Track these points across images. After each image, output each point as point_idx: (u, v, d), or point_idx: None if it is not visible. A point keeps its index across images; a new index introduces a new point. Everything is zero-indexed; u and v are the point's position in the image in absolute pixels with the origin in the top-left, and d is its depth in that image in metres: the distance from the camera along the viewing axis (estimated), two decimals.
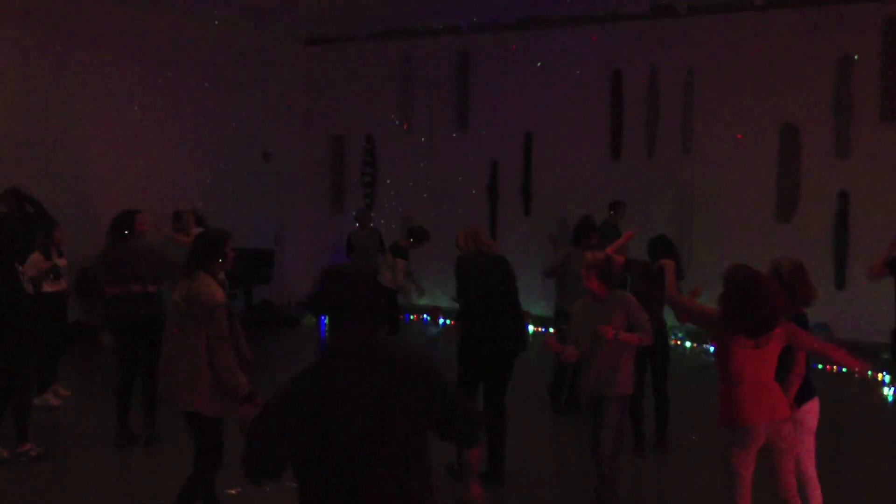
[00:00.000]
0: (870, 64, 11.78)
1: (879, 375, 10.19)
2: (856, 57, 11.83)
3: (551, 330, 9.78)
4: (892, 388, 9.82)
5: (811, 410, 5.27)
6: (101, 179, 12.53)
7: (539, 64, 13.89)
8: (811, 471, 5.31)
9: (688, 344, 12.21)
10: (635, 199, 12.90)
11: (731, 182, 12.62)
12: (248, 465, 2.95)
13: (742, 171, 12.55)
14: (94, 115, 12.42)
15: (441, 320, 13.88)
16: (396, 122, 15.10)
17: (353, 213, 13.41)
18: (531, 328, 12.44)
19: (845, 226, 12.00)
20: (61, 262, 8.89)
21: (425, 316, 14.25)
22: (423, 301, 14.20)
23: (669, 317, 7.36)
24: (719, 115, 12.66)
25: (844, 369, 9.96)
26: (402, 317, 12.69)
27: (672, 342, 12.09)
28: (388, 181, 15.32)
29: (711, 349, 11.51)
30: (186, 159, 13.65)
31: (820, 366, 9.88)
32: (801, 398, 5.20)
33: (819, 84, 12.07)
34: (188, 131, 13.72)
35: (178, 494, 5.16)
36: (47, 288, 8.51)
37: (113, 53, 12.62)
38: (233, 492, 6.06)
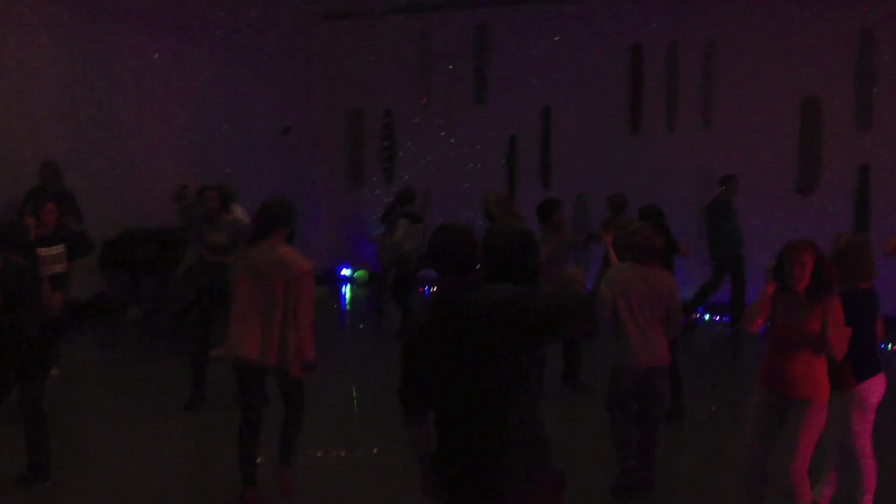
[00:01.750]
0: (891, 35, 11.68)
1: None
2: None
3: None
4: None
5: (872, 387, 5.23)
6: (124, 154, 12.62)
7: (557, 38, 13.83)
8: (867, 448, 5.28)
9: (706, 317, 12.24)
10: (655, 174, 12.91)
11: (751, 156, 12.57)
12: (402, 404, 3.48)
13: (763, 145, 12.50)
14: (122, 90, 12.49)
15: None
16: (415, 97, 15.09)
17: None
18: None
19: (866, 199, 11.95)
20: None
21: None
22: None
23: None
24: (740, 89, 12.59)
25: None
26: (421, 289, 12.73)
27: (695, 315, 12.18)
28: (407, 156, 15.34)
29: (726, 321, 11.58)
30: (206, 133, 13.71)
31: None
32: (863, 374, 5.20)
33: (841, 56, 11.98)
34: (207, 106, 13.76)
35: (281, 450, 5.69)
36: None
37: (134, 28, 12.65)
38: (319, 454, 6.32)
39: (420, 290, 12.65)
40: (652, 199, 12.51)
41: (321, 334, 10.78)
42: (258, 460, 5.89)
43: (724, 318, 11.90)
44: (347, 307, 13.82)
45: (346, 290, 14.77)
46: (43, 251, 7.22)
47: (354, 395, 8.44)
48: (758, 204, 12.40)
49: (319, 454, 6.48)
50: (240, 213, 10.08)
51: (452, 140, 14.80)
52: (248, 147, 14.28)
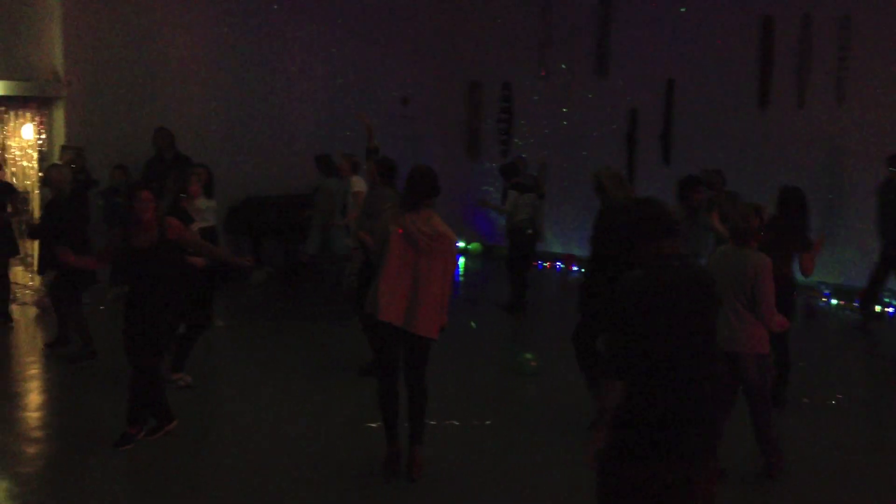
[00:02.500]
0: None
1: None
2: None
3: None
4: None
5: None
6: (259, 124, 13.02)
7: (683, 9, 13.46)
8: None
9: (833, 301, 11.80)
10: (783, 151, 12.47)
11: (887, 133, 11.98)
12: (611, 365, 3.59)
13: None
14: (260, 66, 12.88)
15: (574, 268, 13.82)
16: (535, 69, 14.96)
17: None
18: None
19: None
20: (210, 202, 9.31)
21: (558, 263, 14.22)
22: (556, 248, 14.20)
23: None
24: (876, 64, 11.98)
25: None
26: (534, 264, 12.66)
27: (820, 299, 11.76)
28: (524, 128, 15.25)
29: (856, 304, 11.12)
30: (328, 104, 13.95)
31: None
32: None
33: None
34: (328, 76, 14.00)
35: (412, 427, 5.71)
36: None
37: (271, 8, 12.99)
38: (433, 422, 6.35)
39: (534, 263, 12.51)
40: (779, 177, 12.13)
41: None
42: (374, 425, 6.02)
43: (853, 303, 11.40)
44: (461, 279, 13.89)
45: (461, 262, 14.84)
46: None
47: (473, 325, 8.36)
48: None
49: (433, 422, 6.56)
50: (356, 181, 10.33)
51: (571, 112, 14.63)
52: (370, 116, 14.43)
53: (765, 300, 5.50)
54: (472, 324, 9.28)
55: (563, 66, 14.63)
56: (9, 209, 9.47)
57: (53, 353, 8.46)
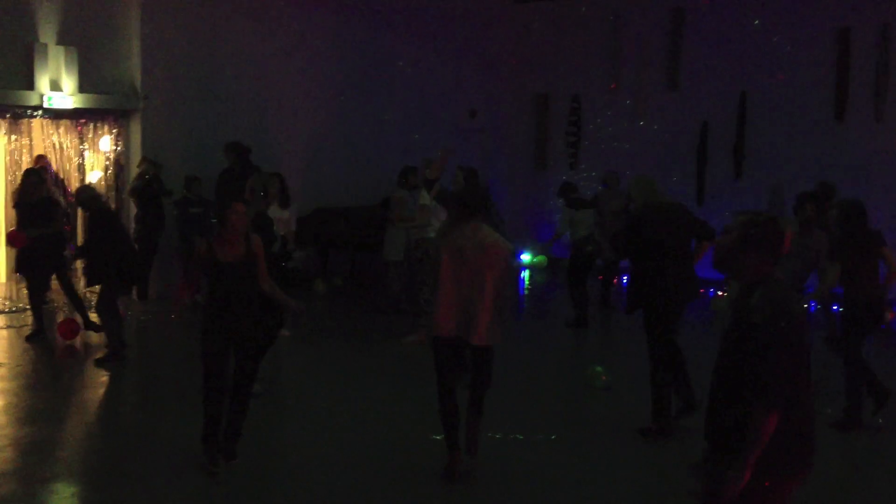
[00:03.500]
0: None
1: None
2: None
3: None
4: None
5: None
6: (328, 139, 13.21)
7: (757, 22, 13.25)
8: None
9: None
10: (860, 164, 12.18)
11: None
12: (778, 395, 3.40)
13: None
14: (306, 72, 13.02)
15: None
16: (604, 82, 14.87)
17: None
18: None
19: None
20: (283, 213, 9.48)
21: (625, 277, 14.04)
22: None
23: None
24: None
25: None
26: (600, 277, 12.53)
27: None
28: (593, 141, 15.15)
29: None
30: (397, 116, 14.07)
31: None
32: None
33: None
34: (398, 88, 14.12)
35: (471, 418, 5.79)
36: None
37: (323, 9, 13.14)
38: (497, 435, 6.40)
39: (614, 280, 12.36)
40: (854, 191, 11.82)
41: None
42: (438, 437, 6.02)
43: None
44: (525, 292, 13.83)
45: (525, 276, 14.78)
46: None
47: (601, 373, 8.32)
48: None
49: (498, 436, 6.53)
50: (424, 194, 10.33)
51: (642, 125, 14.50)
52: (438, 130, 14.54)
53: None
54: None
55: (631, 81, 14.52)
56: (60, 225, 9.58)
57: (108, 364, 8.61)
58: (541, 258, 15.29)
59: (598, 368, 8.23)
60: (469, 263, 5.57)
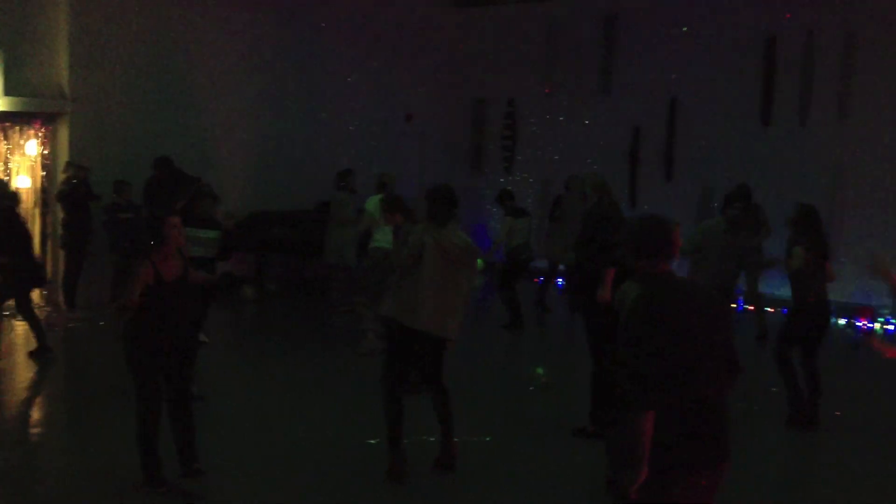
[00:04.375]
0: None
1: None
2: None
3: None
4: None
5: None
6: (255, 139, 13.03)
7: (685, 29, 13.52)
8: None
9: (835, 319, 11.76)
10: (785, 168, 12.50)
11: (890, 151, 11.99)
12: (640, 386, 3.41)
13: None
14: (239, 74, 12.86)
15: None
16: (539, 86, 15.02)
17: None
18: None
19: None
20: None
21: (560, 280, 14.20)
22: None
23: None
24: (880, 82, 12.01)
25: None
26: (535, 280, 12.66)
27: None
28: (528, 145, 15.29)
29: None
30: (332, 119, 14.01)
31: None
32: None
33: None
34: (333, 92, 14.06)
35: (441, 420, 6.00)
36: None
37: (253, 14, 13.01)
38: (432, 438, 6.34)
39: (535, 280, 12.57)
40: (781, 194, 12.16)
41: None
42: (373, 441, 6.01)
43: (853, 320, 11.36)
44: None
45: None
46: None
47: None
48: (891, 202, 11.83)
49: (432, 439, 6.54)
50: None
51: (575, 130, 14.68)
52: (373, 134, 14.53)
53: None
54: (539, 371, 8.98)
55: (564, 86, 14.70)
56: None
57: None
58: (479, 261, 15.35)
59: (539, 370, 8.32)
60: (450, 262, 5.82)
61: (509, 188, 11.85)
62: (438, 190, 5.96)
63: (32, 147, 11.20)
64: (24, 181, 11.10)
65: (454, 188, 6.04)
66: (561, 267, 11.86)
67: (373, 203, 9.38)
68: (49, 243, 11.38)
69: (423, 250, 5.80)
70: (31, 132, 11.16)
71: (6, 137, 11.04)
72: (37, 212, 11.29)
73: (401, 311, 5.88)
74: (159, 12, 11.75)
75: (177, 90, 12.04)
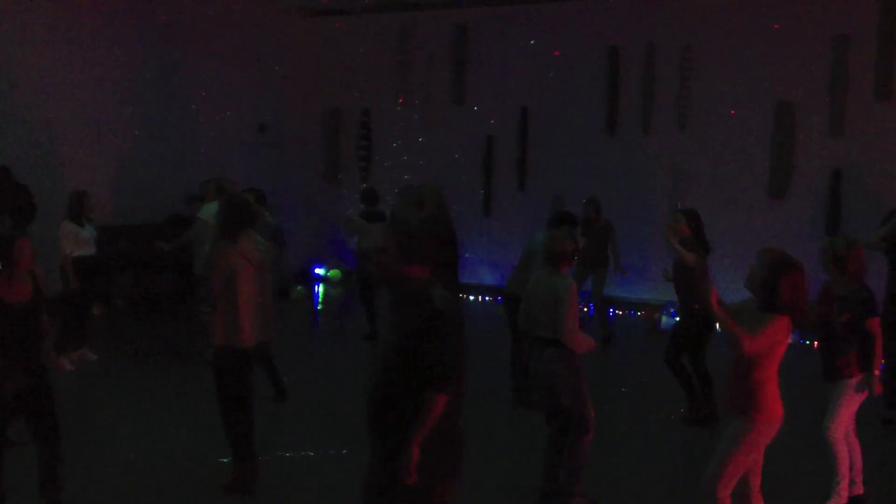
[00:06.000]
0: (866, 42, 11.79)
1: None
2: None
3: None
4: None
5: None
6: (108, 151, 12.55)
7: (532, 42, 13.88)
8: (842, 435, 5.69)
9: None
10: (630, 175, 13.01)
11: (725, 159, 12.67)
12: (448, 376, 3.64)
13: (737, 149, 12.60)
14: (82, 83, 12.35)
15: None
16: (393, 96, 15.08)
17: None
18: None
19: (838, 204, 12.06)
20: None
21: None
22: None
23: None
24: (715, 93, 12.67)
25: None
26: None
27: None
28: (384, 154, 15.33)
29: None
30: (182, 130, 13.64)
31: None
32: (865, 366, 5.69)
33: (815, 62, 12.07)
34: (183, 102, 13.69)
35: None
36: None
37: (105, 22, 12.55)
38: (288, 454, 6.44)
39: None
40: (627, 200, 12.68)
41: (295, 333, 10.79)
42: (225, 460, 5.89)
43: None
44: (320, 306, 13.78)
45: (320, 289, 14.74)
46: None
47: None
48: (730, 207, 12.48)
49: (288, 454, 6.47)
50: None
51: (430, 139, 14.82)
52: (225, 144, 14.23)
53: (566, 323, 5.55)
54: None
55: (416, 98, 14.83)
56: None
57: None
58: (334, 272, 15.30)
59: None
60: (258, 271, 5.84)
61: (374, 188, 11.70)
62: (230, 202, 5.95)
63: None
64: None
65: (246, 198, 6.17)
66: None
67: (208, 211, 9.09)
68: None
69: (232, 271, 5.70)
70: None
71: None
72: None
73: (226, 333, 5.74)
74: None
75: (17, 101, 11.46)
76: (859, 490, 5.77)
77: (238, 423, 5.81)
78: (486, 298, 13.81)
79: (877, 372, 5.75)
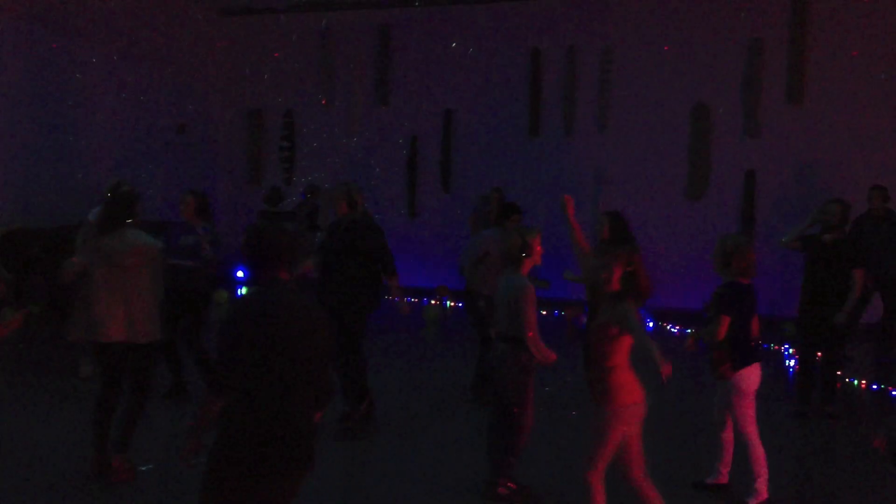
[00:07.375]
0: (778, 46, 12.13)
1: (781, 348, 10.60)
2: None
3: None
4: (794, 361, 10.19)
5: (749, 375, 5.60)
6: (10, 153, 12.14)
7: (454, 44, 13.92)
8: (753, 434, 5.63)
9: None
10: (553, 177, 13.15)
11: (644, 160, 12.90)
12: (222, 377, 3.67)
13: (655, 151, 12.84)
14: (3, 86, 11.96)
15: None
16: (316, 97, 14.96)
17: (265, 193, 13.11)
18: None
19: (752, 204, 12.38)
20: None
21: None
22: None
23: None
24: (634, 95, 12.90)
25: None
26: None
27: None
28: (307, 155, 15.20)
29: None
30: (97, 131, 13.30)
31: None
32: (740, 363, 5.58)
33: (729, 65, 12.39)
34: (98, 102, 13.35)
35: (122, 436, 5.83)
36: None
37: (16, 19, 12.17)
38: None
39: None
40: (549, 201, 12.80)
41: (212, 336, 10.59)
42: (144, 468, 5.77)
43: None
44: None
45: (243, 293, 14.52)
46: None
47: None
48: (648, 208, 12.71)
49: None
50: None
51: (354, 140, 14.74)
52: (143, 145, 13.92)
53: (526, 328, 5.56)
54: None
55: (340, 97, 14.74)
56: None
57: None
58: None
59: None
60: (123, 268, 5.71)
61: (278, 189, 11.64)
62: (113, 198, 5.96)
63: None
64: None
65: (133, 194, 6.00)
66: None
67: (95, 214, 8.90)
68: None
69: (85, 265, 5.70)
70: None
71: None
72: None
73: (82, 327, 5.77)
74: None
75: None
76: (724, 480, 5.90)
77: (98, 424, 5.84)
78: (412, 300, 13.77)
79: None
